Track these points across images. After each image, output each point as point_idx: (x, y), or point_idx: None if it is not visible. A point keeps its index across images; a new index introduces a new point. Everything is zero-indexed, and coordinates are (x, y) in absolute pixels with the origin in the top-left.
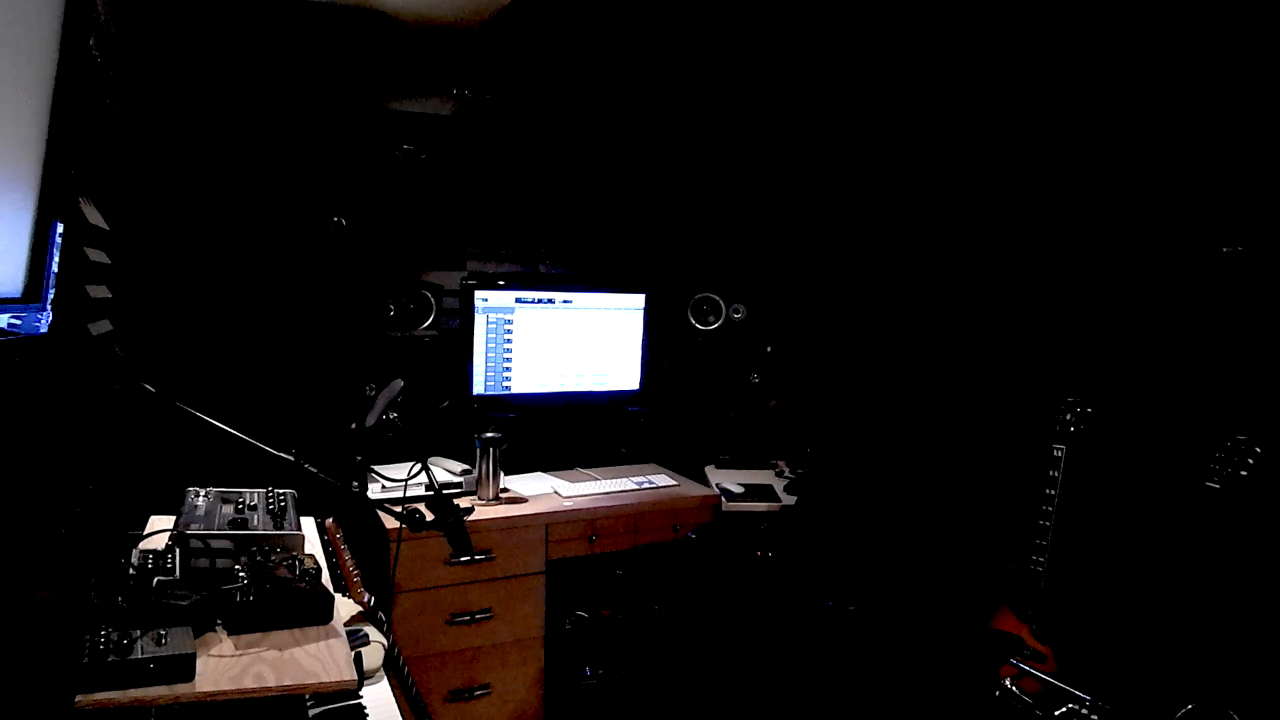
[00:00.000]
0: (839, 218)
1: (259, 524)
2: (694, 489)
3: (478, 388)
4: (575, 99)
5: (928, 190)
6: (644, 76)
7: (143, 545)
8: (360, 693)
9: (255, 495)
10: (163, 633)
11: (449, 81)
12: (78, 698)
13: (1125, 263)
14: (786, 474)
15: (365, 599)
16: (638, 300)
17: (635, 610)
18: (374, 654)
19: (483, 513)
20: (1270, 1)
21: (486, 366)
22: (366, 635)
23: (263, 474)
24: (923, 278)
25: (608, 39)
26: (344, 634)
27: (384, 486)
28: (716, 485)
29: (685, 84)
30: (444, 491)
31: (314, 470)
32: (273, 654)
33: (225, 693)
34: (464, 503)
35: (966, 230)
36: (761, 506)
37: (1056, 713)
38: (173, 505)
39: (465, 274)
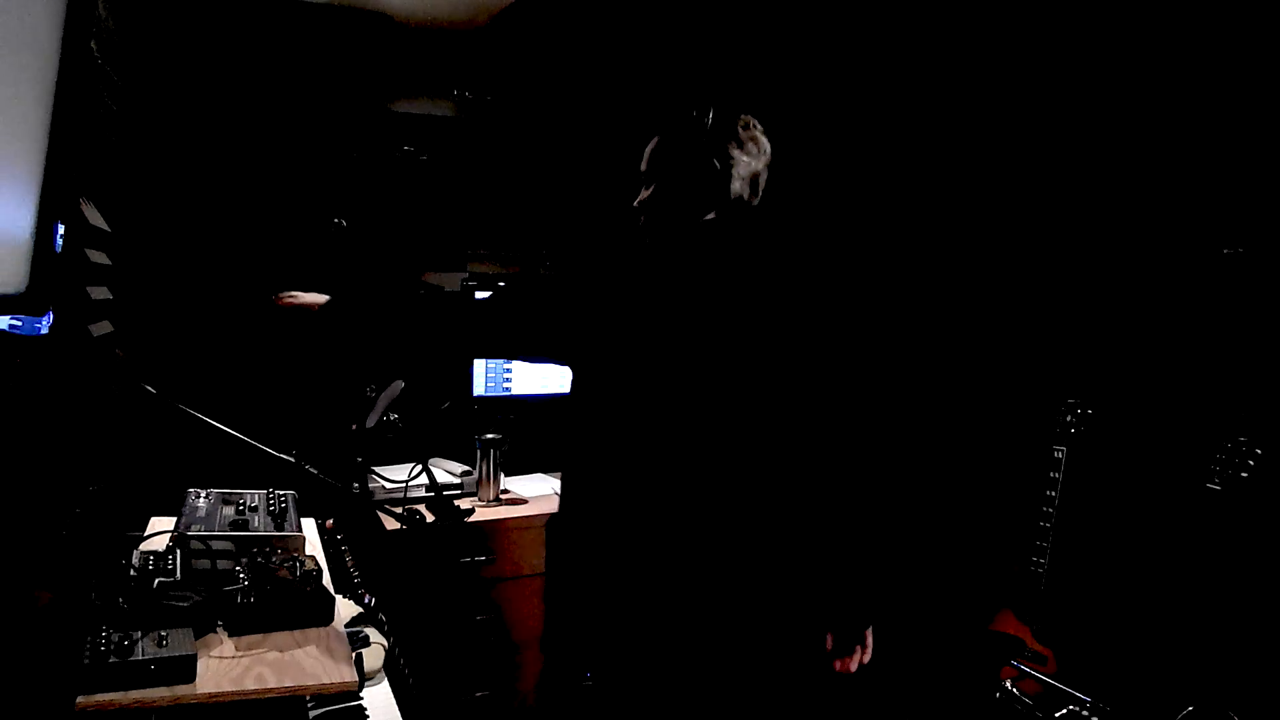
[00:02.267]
0: (839, 219)
1: (260, 525)
2: None
3: (478, 389)
4: (576, 100)
5: (928, 191)
6: (645, 79)
7: (143, 546)
8: (361, 694)
9: (256, 496)
10: (163, 634)
11: (450, 83)
12: (78, 699)
13: (1126, 264)
14: None
15: (366, 600)
16: None
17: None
18: (375, 655)
19: (483, 514)
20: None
21: (487, 367)
22: (367, 636)
23: (263, 475)
24: (923, 279)
25: (608, 41)
26: (345, 635)
27: (384, 488)
28: None
29: (685, 85)
30: (444, 493)
31: (315, 471)
32: (274, 655)
33: (226, 694)
34: (464, 504)
35: (966, 231)
36: None
37: (1057, 715)
38: (173, 506)
39: (466, 275)
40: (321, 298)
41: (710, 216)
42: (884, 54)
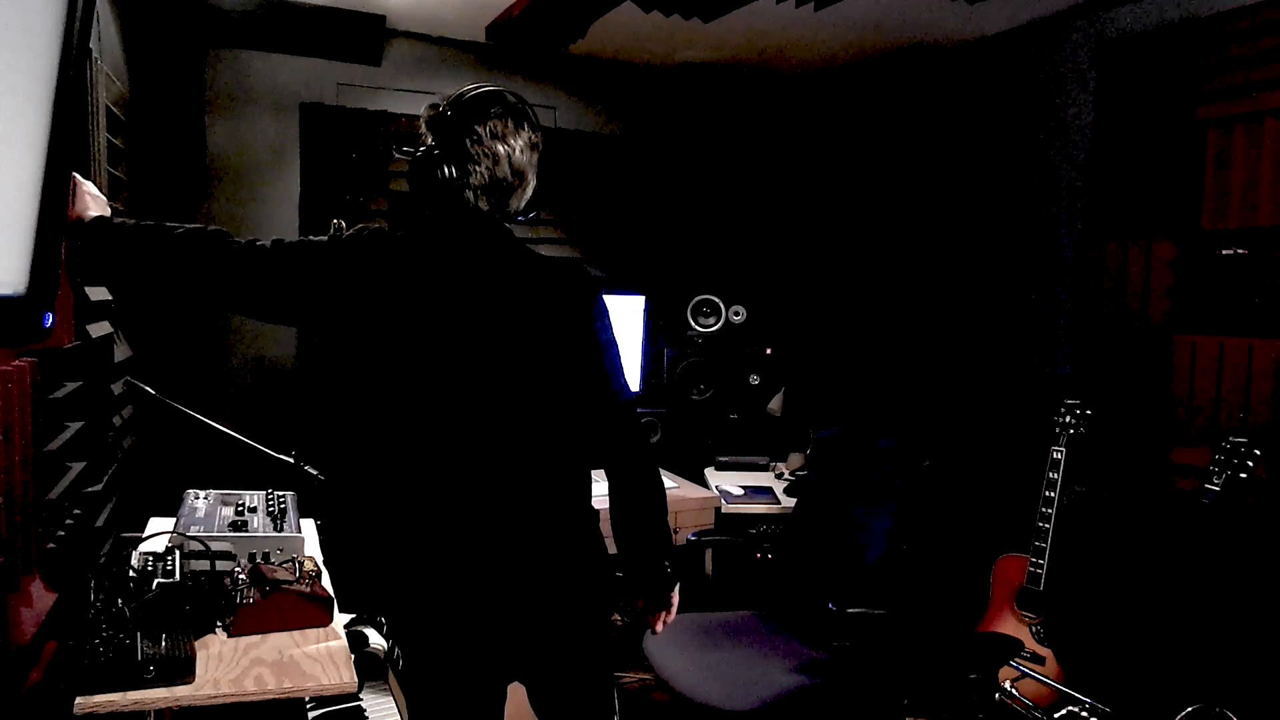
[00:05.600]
0: (838, 218)
1: (259, 526)
2: (694, 491)
3: None
4: (573, 101)
5: (926, 192)
6: (645, 80)
7: (143, 547)
8: (360, 695)
9: (255, 497)
10: (163, 635)
11: (447, 88)
12: (77, 700)
13: (1123, 262)
14: (786, 476)
15: None
16: (637, 302)
17: (635, 613)
18: (374, 656)
19: None
20: None
21: None
22: (367, 637)
23: (263, 476)
24: (922, 279)
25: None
26: (344, 636)
27: None
28: (716, 487)
29: (686, 86)
30: None
31: (314, 472)
32: (273, 656)
33: (225, 695)
34: None
35: (965, 230)
36: (761, 508)
37: (1056, 715)
38: (173, 507)
39: None
40: (99, 212)
41: (444, 221)
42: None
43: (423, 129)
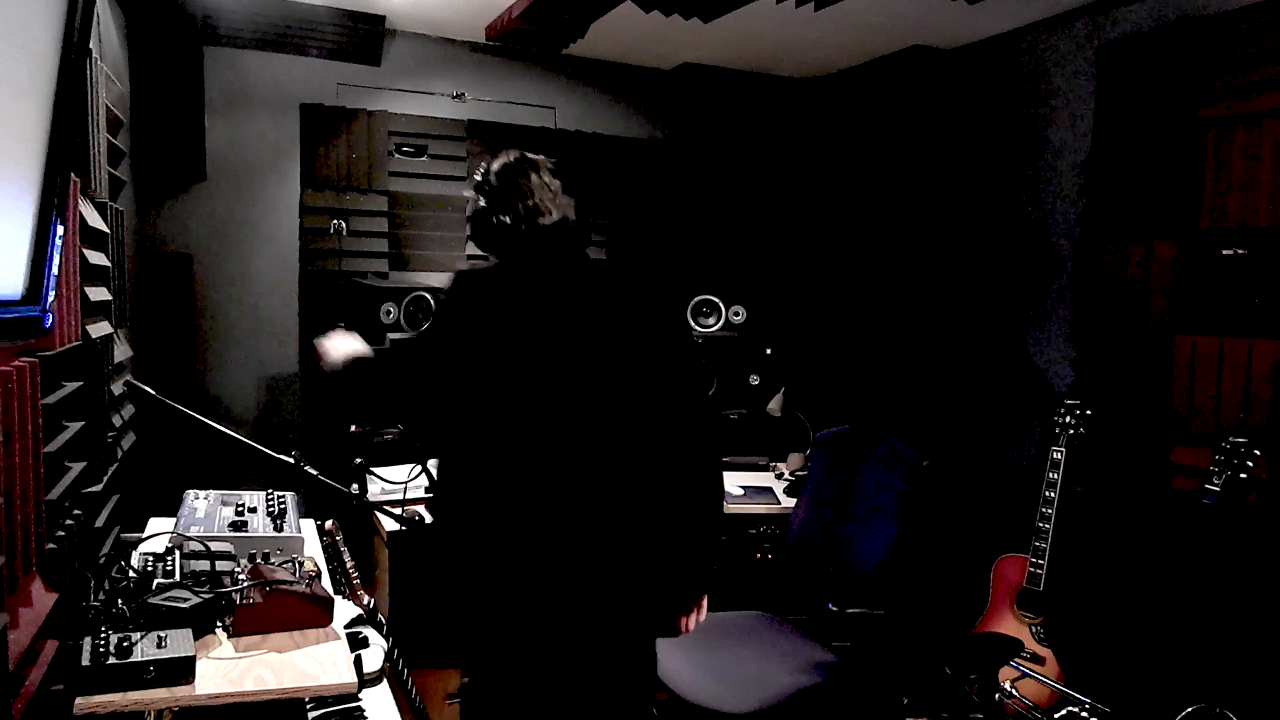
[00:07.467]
0: (838, 219)
1: (259, 526)
2: None
3: None
4: (572, 102)
5: (927, 192)
6: (646, 81)
7: (143, 548)
8: (360, 695)
9: (255, 497)
10: (163, 635)
11: (447, 87)
12: (77, 700)
13: (1123, 262)
14: (786, 476)
15: (365, 601)
16: None
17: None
18: (374, 656)
19: None
20: None
21: None
22: (366, 638)
23: (263, 476)
24: (922, 280)
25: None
26: (344, 636)
27: (384, 489)
28: None
29: (687, 87)
30: None
31: (314, 473)
32: (273, 656)
33: (225, 695)
34: None
35: (965, 230)
36: (761, 508)
37: (1056, 716)
38: (173, 507)
39: None
40: (337, 358)
41: (526, 261)
42: None
43: (472, 193)
